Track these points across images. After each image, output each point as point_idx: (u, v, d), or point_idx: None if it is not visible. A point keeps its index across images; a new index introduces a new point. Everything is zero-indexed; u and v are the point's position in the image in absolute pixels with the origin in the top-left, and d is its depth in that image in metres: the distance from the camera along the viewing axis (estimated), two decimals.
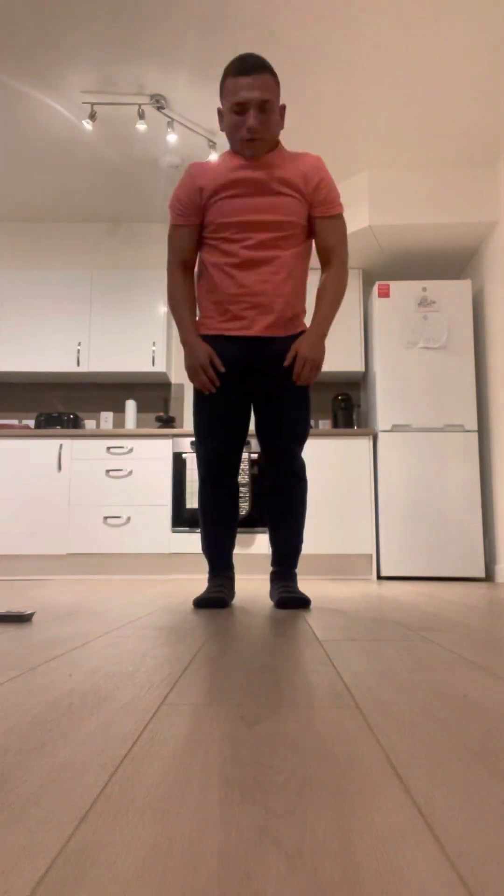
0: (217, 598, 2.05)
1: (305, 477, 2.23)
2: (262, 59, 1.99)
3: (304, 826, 0.44)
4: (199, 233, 2.15)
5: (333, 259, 2.13)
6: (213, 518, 2.19)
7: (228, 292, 2.08)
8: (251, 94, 1.95)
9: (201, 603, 2.05)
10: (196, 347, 2.09)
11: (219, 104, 3.59)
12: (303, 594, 2.07)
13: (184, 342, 2.12)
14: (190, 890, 0.35)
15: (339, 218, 2.13)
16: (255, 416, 2.22)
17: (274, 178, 2.06)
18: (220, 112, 2.07)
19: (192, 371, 2.11)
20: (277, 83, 2.02)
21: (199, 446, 2.18)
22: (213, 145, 4.09)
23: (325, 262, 2.15)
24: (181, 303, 2.14)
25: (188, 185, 2.10)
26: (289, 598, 2.03)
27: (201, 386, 2.10)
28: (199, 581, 3.81)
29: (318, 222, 2.12)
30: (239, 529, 4.37)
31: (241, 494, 4.34)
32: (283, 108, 2.09)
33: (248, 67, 1.95)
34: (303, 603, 2.03)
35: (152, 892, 0.35)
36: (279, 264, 2.07)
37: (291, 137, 4.05)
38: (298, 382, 2.09)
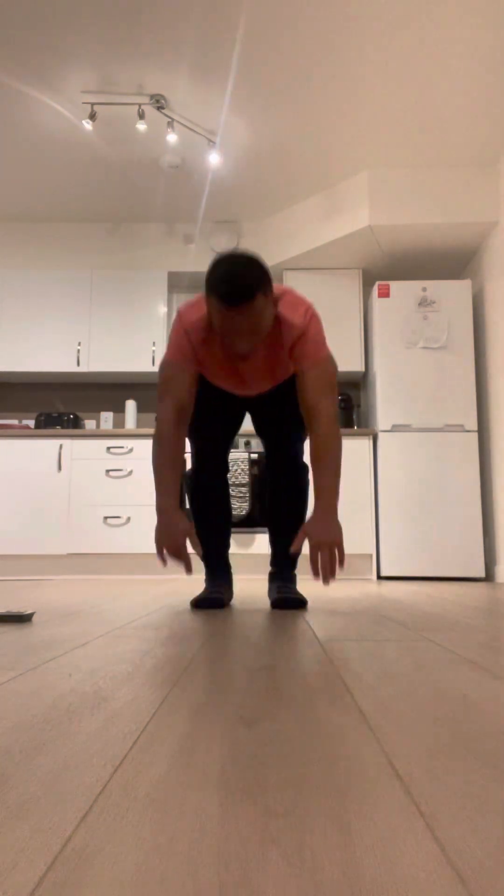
0: (215, 598, 2.04)
1: (307, 478, 2.24)
2: (250, 279, 1.67)
3: (304, 826, 0.44)
4: (198, 380, 1.97)
5: (321, 417, 1.87)
6: (204, 521, 2.19)
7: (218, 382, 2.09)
8: (239, 326, 1.72)
9: (199, 603, 2.04)
10: (174, 522, 1.81)
11: (217, 92, 3.59)
12: (300, 595, 2.07)
13: (160, 510, 1.84)
14: (190, 890, 0.35)
15: (322, 363, 1.89)
16: (254, 420, 2.22)
17: (263, 371, 1.97)
18: (206, 300, 1.78)
19: (163, 546, 1.82)
20: (268, 294, 1.74)
21: (190, 441, 2.19)
22: (213, 145, 4.09)
23: (312, 419, 1.88)
24: (166, 461, 1.88)
25: (184, 345, 1.91)
26: (285, 599, 2.03)
27: (174, 559, 1.83)
28: (199, 581, 3.81)
29: (298, 375, 1.90)
30: (239, 529, 4.37)
31: (240, 494, 4.34)
32: (277, 299, 1.88)
33: (236, 297, 1.66)
34: (299, 604, 2.03)
35: (152, 892, 0.35)
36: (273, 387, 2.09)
37: (292, 137, 4.05)
38: (320, 580, 1.87)
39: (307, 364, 1.88)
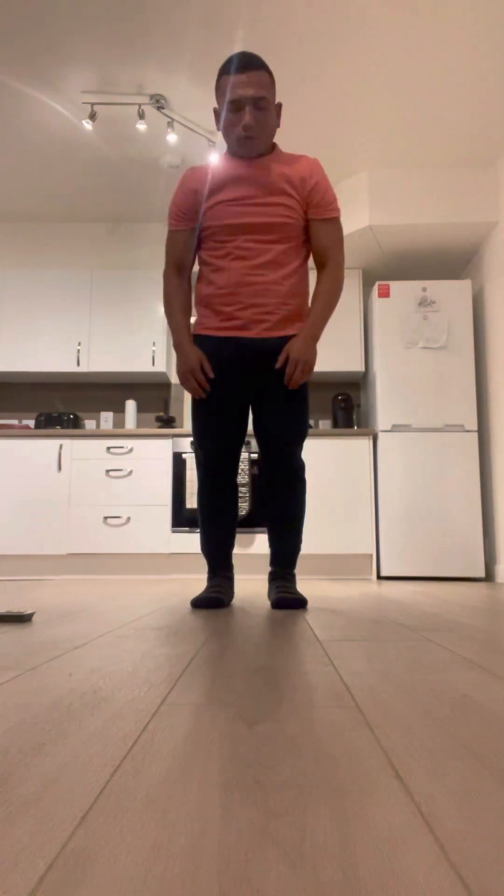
0: (215, 598, 2.04)
1: (304, 477, 2.23)
2: (257, 57, 1.99)
3: (304, 826, 0.44)
4: (196, 236, 2.15)
5: (329, 261, 2.12)
6: (212, 520, 2.19)
7: (224, 292, 2.08)
8: (246, 92, 1.94)
9: (199, 603, 2.05)
10: (188, 352, 2.09)
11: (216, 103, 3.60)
12: (299, 594, 2.07)
13: (176, 346, 2.12)
14: (190, 890, 0.35)
15: (335, 221, 2.12)
16: (253, 417, 2.22)
17: (269, 179, 2.06)
18: (216, 112, 2.05)
19: (183, 376, 2.11)
20: (273, 81, 2.01)
21: (197, 449, 2.19)
22: (212, 145, 4.09)
23: (321, 265, 2.14)
24: (175, 307, 2.14)
25: (183, 188, 2.11)
26: (285, 599, 2.03)
27: (192, 391, 2.11)
28: (199, 581, 3.81)
29: (314, 224, 2.11)
30: (239, 529, 4.37)
31: (240, 494, 4.34)
32: (280, 106, 2.07)
33: (243, 65, 1.94)
34: (299, 604, 2.03)
35: (152, 892, 0.35)
36: (275, 265, 2.07)
37: (291, 137, 4.05)
38: (289, 385, 2.08)
39: (324, 213, 2.09)
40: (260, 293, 2.07)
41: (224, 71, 1.98)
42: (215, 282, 2.10)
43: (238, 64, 1.95)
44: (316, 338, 2.08)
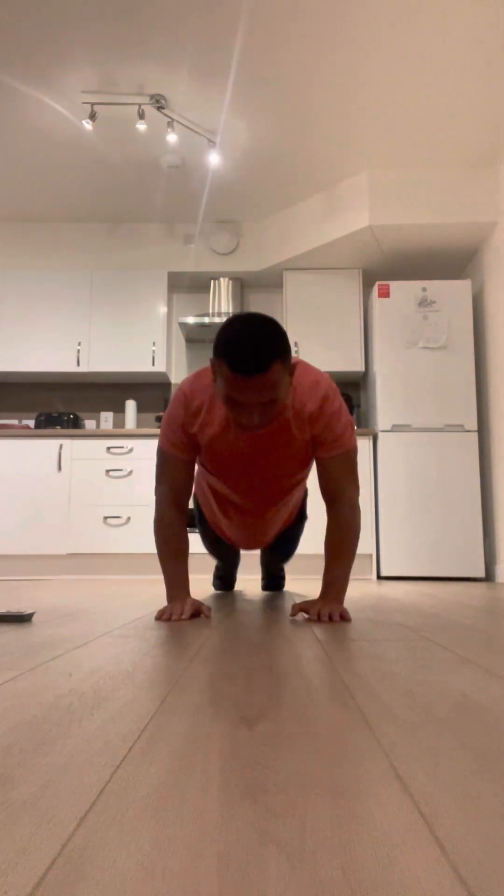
0: (229, 572, 2.25)
1: (306, 514, 2.35)
2: (267, 347, 1.45)
3: (304, 826, 0.44)
4: (194, 464, 1.86)
5: (343, 499, 1.77)
6: (216, 541, 2.33)
7: (224, 521, 2.11)
8: (251, 398, 1.51)
9: (219, 584, 2.23)
10: (185, 604, 1.74)
11: (215, 90, 3.59)
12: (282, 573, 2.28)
13: (170, 599, 1.80)
14: (190, 890, 0.35)
15: (348, 451, 1.77)
16: None
17: (277, 445, 1.77)
18: (212, 364, 1.56)
19: (173, 606, 1.75)
20: (287, 363, 1.52)
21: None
22: (213, 145, 4.09)
23: (331, 501, 1.79)
24: (172, 555, 1.83)
25: (179, 424, 1.76)
26: (270, 581, 2.22)
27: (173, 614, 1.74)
28: (198, 581, 3.81)
29: (321, 462, 1.79)
30: None
31: None
32: (294, 367, 1.59)
33: (249, 367, 1.44)
34: (280, 581, 2.24)
35: (152, 892, 0.35)
36: (278, 503, 1.96)
37: (292, 137, 4.05)
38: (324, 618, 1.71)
39: (334, 451, 1.75)
40: (261, 531, 2.11)
41: (224, 356, 1.47)
42: (215, 509, 2.06)
43: (242, 364, 1.45)
44: (342, 598, 1.75)
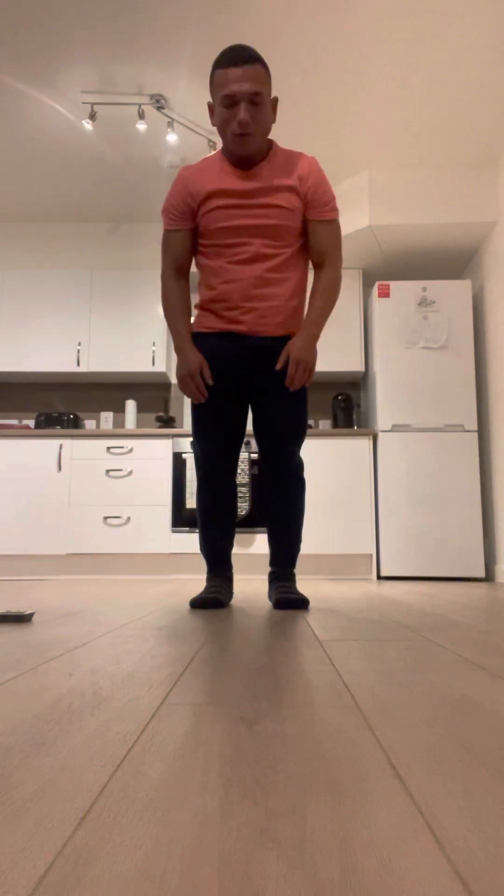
0: (213, 598, 2.04)
1: (303, 476, 2.23)
2: (252, 50, 1.91)
3: (304, 826, 0.44)
4: (193, 237, 2.12)
5: (326, 262, 2.09)
6: (211, 520, 2.18)
7: (224, 294, 2.08)
8: (241, 87, 1.87)
9: (198, 603, 2.04)
10: (188, 356, 2.07)
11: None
12: (301, 595, 2.06)
13: (177, 349, 2.10)
14: (190, 890, 0.35)
15: (333, 223, 2.09)
16: (252, 417, 2.22)
17: (267, 185, 2.02)
18: (210, 107, 1.99)
19: (182, 380, 2.09)
20: (269, 75, 1.94)
21: (196, 449, 2.19)
22: (212, 145, 4.09)
23: (318, 265, 2.12)
24: (175, 309, 2.12)
25: (179, 190, 2.06)
26: (287, 599, 2.02)
27: (191, 395, 2.09)
28: (199, 581, 3.81)
29: (312, 225, 2.08)
30: (239, 529, 4.37)
31: (240, 494, 4.34)
32: (276, 100, 2.01)
33: (238, 59, 1.87)
34: (301, 604, 2.02)
35: (152, 892, 0.35)
36: (274, 267, 2.06)
37: (292, 136, 4.05)
38: (291, 387, 2.06)
39: (322, 214, 2.06)
40: (261, 297, 2.07)
41: (218, 64, 1.90)
42: (216, 287, 2.09)
43: (233, 57, 1.88)
44: (315, 337, 2.06)
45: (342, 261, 2.13)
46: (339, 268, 2.11)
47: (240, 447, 2.21)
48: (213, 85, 1.93)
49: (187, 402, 5.28)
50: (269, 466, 2.19)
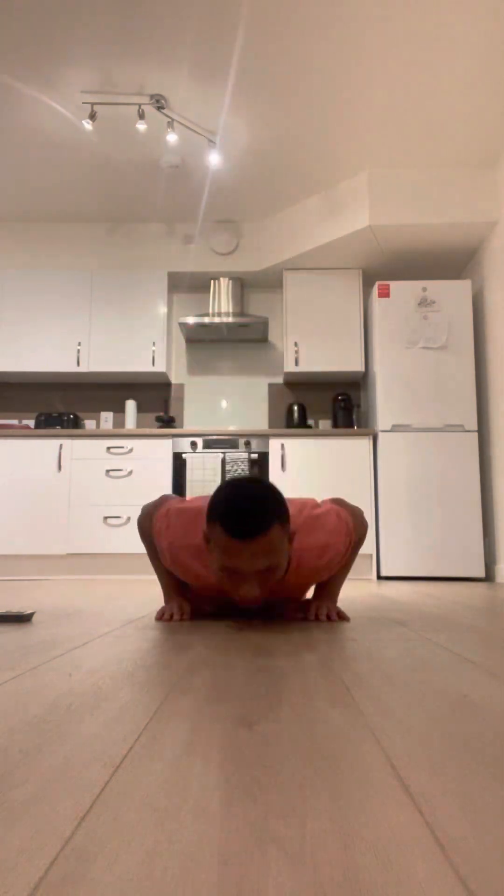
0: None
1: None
2: (263, 513, 1.36)
3: (304, 826, 0.44)
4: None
5: (339, 576, 1.76)
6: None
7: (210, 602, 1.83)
8: (251, 565, 1.39)
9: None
10: (185, 604, 1.74)
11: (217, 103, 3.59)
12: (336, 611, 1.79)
13: (167, 600, 1.79)
14: (190, 890, 0.35)
15: (349, 563, 1.74)
16: None
17: (274, 603, 1.74)
18: (205, 535, 1.46)
19: (169, 606, 1.74)
20: (286, 525, 1.42)
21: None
22: (213, 145, 4.09)
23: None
24: (163, 572, 1.78)
25: (171, 557, 1.62)
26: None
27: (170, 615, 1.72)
28: None
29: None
30: None
31: None
32: (293, 535, 1.48)
33: (246, 531, 1.35)
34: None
35: (152, 892, 0.35)
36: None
37: (291, 138, 4.05)
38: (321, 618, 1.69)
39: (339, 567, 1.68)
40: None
41: (217, 519, 1.38)
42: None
43: (239, 528, 1.35)
44: (336, 600, 1.76)
45: (354, 552, 1.74)
46: (350, 566, 1.75)
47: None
48: (210, 532, 1.42)
49: (188, 401, 5.28)
50: None
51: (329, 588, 1.74)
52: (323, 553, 1.57)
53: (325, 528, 1.59)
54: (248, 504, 1.36)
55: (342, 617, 1.69)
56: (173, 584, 1.77)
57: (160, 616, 1.71)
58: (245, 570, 1.39)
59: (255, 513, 1.35)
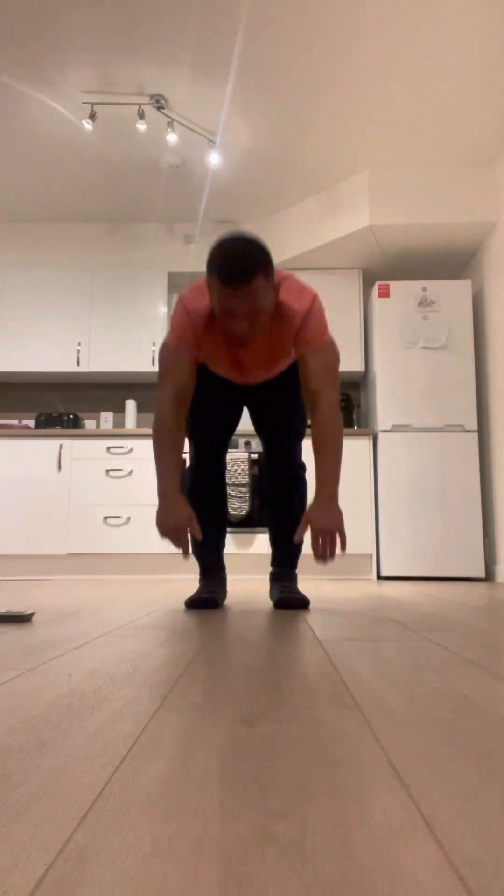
0: (209, 598, 2.04)
1: (305, 477, 2.24)
2: (250, 261, 1.67)
3: (304, 826, 0.44)
4: (196, 365, 1.95)
5: (323, 404, 1.87)
6: (202, 522, 2.16)
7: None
8: (237, 306, 1.70)
9: (193, 604, 2.04)
10: (176, 507, 1.82)
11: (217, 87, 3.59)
12: (302, 595, 2.06)
13: (162, 495, 1.85)
14: (190, 890, 0.35)
15: (324, 349, 1.88)
16: (252, 416, 2.22)
17: (269, 351, 1.95)
18: (207, 281, 1.77)
19: (164, 527, 1.83)
20: (269, 274, 1.72)
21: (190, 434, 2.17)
22: (213, 145, 4.09)
23: (314, 406, 1.88)
24: (167, 448, 1.88)
25: (188, 329, 1.90)
26: (288, 599, 2.02)
27: (173, 543, 1.85)
28: (196, 581, 3.81)
29: (302, 360, 1.89)
30: (239, 529, 4.37)
31: (240, 495, 4.34)
32: (278, 285, 1.84)
33: (233, 277, 1.66)
34: (302, 604, 2.02)
35: (152, 892, 0.35)
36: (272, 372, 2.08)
37: (291, 138, 4.05)
38: (321, 562, 1.80)
39: (308, 350, 1.88)
40: (260, 371, 2.09)
41: (212, 266, 1.70)
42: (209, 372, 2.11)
43: (228, 274, 1.66)
44: (336, 497, 1.85)
45: (338, 391, 1.91)
46: (337, 406, 1.89)
47: (229, 437, 2.22)
48: (209, 281, 1.75)
49: None
50: (271, 467, 2.19)
51: (325, 478, 1.84)
52: (301, 297, 1.87)
53: (306, 292, 1.90)
54: (237, 258, 1.67)
55: (342, 540, 1.81)
56: (171, 474, 1.87)
57: (163, 534, 1.83)
58: (234, 308, 1.70)
59: (242, 263, 1.66)
